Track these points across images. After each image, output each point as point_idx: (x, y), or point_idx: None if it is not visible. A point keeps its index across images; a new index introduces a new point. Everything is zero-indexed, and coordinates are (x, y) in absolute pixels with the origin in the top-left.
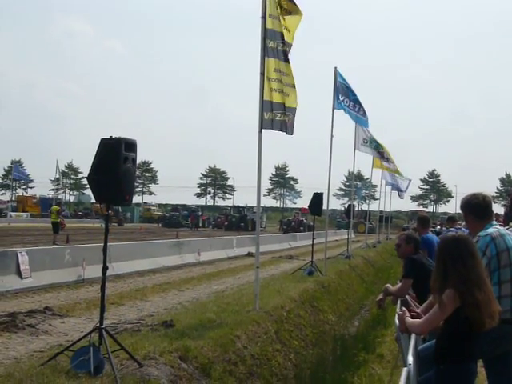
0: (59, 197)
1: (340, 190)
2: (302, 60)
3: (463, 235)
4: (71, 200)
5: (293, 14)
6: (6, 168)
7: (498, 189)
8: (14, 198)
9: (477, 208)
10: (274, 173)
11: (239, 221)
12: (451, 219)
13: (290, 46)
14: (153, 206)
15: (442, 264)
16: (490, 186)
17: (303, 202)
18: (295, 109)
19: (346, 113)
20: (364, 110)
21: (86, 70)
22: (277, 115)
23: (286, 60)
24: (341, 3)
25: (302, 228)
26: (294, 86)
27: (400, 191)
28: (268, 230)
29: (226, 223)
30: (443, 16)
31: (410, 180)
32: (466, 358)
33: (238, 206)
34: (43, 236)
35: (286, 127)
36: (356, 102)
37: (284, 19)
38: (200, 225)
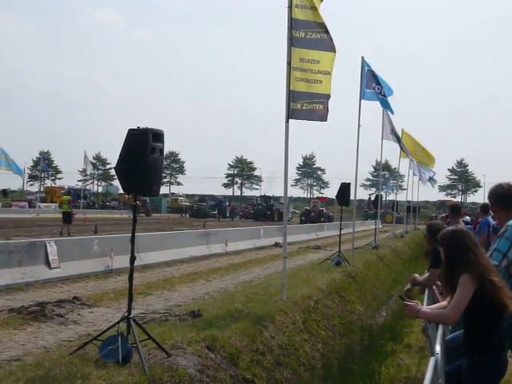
0: (87, 187)
1: (367, 180)
2: None
3: (464, 228)
4: (99, 191)
5: None
6: (35, 159)
7: None
8: (42, 189)
9: (502, 198)
10: (301, 163)
11: (266, 211)
12: (485, 208)
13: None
14: (180, 196)
15: (450, 255)
16: None
17: (331, 193)
18: (329, 95)
19: (376, 100)
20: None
21: (114, 61)
22: (305, 105)
23: (320, 47)
24: None
25: (322, 219)
26: (327, 72)
27: (430, 180)
28: (294, 221)
29: (252, 212)
30: None
31: (434, 173)
32: (497, 348)
33: (265, 196)
34: (71, 226)
35: (318, 115)
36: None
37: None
38: (227, 215)
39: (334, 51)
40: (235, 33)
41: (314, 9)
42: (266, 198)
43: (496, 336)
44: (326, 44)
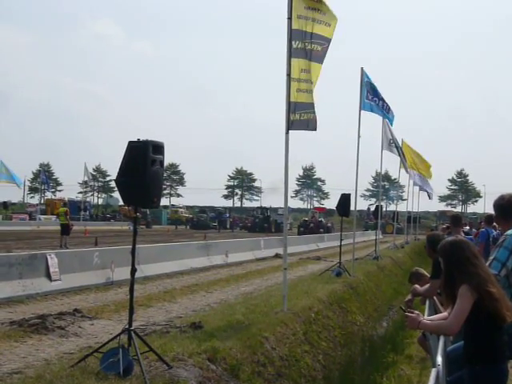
0: (88, 199)
1: (367, 190)
2: (328, 59)
3: (463, 239)
4: (99, 203)
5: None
6: (35, 171)
7: None
8: (42, 202)
9: (502, 208)
10: (301, 174)
11: (263, 222)
12: (488, 219)
13: (329, 41)
14: (180, 208)
15: (450, 266)
16: None
17: (331, 203)
18: (313, 104)
19: (374, 112)
20: (389, 107)
21: (114, 72)
22: (303, 115)
23: (312, 58)
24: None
25: (321, 230)
26: (312, 82)
27: (427, 191)
28: (293, 232)
29: (249, 224)
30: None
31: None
32: (498, 358)
33: (262, 207)
34: (72, 239)
35: (312, 125)
36: (382, 100)
37: (324, 13)
38: (228, 226)
39: (321, 63)
40: (235, 44)
41: (317, 21)
42: (262, 210)
43: (496, 346)
44: (316, 55)
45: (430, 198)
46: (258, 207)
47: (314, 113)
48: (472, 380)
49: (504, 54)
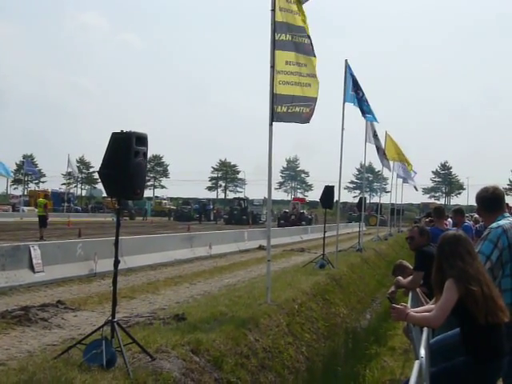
0: (71, 191)
1: (351, 182)
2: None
3: (462, 234)
4: (83, 194)
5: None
6: (18, 163)
7: (510, 181)
8: (26, 193)
9: (486, 201)
10: (284, 166)
11: (240, 214)
12: (458, 212)
13: (308, 36)
14: (164, 199)
15: (441, 259)
16: (502, 178)
17: (315, 195)
18: (316, 98)
19: (357, 106)
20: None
21: (100, 64)
22: (291, 108)
23: (305, 52)
24: None
25: (303, 222)
26: (314, 75)
27: (410, 182)
28: (274, 223)
29: (226, 216)
30: None
31: (415, 172)
32: (496, 354)
33: (239, 198)
34: (55, 230)
35: (302, 118)
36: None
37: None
38: (212, 218)
39: (315, 56)
40: (222, 36)
41: (297, 13)
42: (239, 201)
43: (491, 342)
44: (309, 48)
45: (416, 190)
46: (234, 198)
47: (308, 106)
48: (464, 371)
49: (492, 48)
